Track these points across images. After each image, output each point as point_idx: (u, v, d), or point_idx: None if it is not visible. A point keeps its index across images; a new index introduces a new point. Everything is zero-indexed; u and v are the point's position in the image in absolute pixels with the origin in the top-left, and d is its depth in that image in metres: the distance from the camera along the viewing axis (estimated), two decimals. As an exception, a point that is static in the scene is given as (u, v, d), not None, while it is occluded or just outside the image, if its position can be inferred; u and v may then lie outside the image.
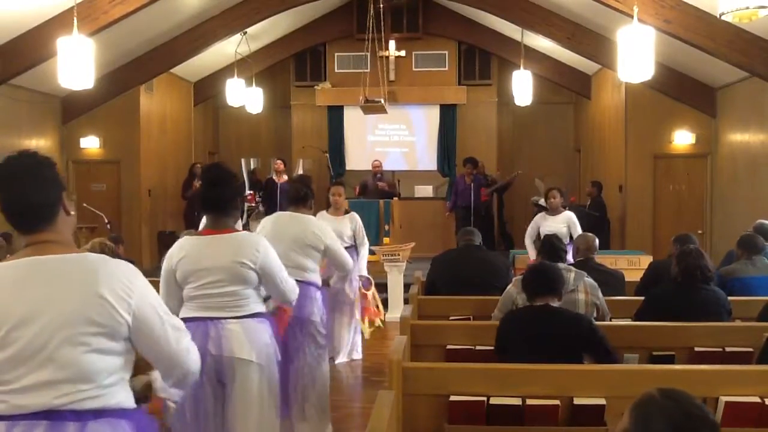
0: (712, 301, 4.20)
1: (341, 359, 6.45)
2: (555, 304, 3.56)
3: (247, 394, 3.18)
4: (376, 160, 12.02)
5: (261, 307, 3.35)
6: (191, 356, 2.11)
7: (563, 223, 7.02)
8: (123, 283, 1.92)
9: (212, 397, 3.20)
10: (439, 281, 5.40)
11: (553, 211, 7.22)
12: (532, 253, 7.06)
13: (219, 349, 3.15)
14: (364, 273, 6.03)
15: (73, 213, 2.05)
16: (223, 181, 3.32)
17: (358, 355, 6.63)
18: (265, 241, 3.36)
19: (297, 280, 3.66)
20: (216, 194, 3.28)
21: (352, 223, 6.24)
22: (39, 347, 1.82)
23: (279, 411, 3.39)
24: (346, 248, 5.16)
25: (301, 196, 4.60)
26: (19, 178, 1.94)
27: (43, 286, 1.87)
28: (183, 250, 3.29)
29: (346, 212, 6.34)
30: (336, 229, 5.51)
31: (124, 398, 1.95)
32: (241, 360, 3.16)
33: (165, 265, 3.33)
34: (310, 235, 4.42)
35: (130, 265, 2.01)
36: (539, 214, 7.46)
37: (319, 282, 4.51)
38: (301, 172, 13.09)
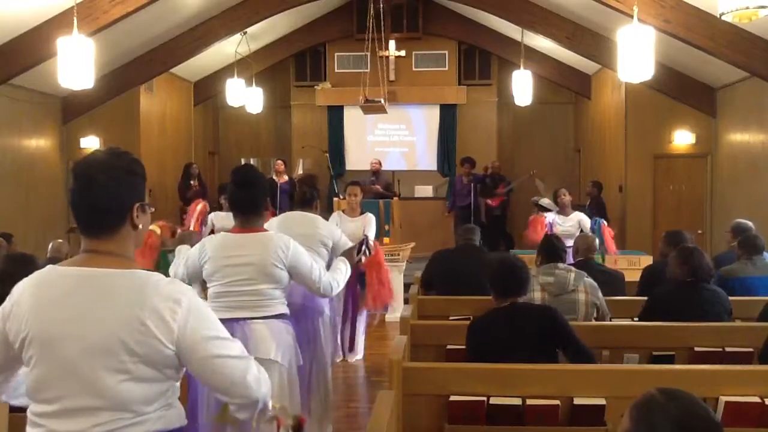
0: (713, 300, 4.20)
1: (358, 357, 6.46)
2: (520, 300, 3.56)
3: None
4: (375, 159, 11.97)
5: (285, 309, 3.43)
6: (249, 381, 1.85)
7: (575, 226, 7.17)
8: (169, 305, 1.75)
9: None
10: (435, 277, 5.42)
11: (563, 209, 7.37)
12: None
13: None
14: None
15: (141, 227, 1.86)
16: (253, 182, 3.43)
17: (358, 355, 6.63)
18: (293, 241, 3.45)
19: None
20: (246, 196, 3.40)
21: (368, 224, 6.35)
22: (75, 369, 1.71)
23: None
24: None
25: (307, 199, 4.98)
26: (90, 175, 1.78)
27: (84, 303, 1.73)
28: (211, 246, 3.40)
29: (362, 213, 6.45)
30: (352, 229, 5.68)
31: (169, 421, 1.81)
32: (265, 360, 3.17)
33: (190, 261, 3.45)
34: (319, 232, 4.67)
35: (180, 283, 1.83)
36: (551, 213, 7.53)
37: None
38: (301, 172, 13.09)
